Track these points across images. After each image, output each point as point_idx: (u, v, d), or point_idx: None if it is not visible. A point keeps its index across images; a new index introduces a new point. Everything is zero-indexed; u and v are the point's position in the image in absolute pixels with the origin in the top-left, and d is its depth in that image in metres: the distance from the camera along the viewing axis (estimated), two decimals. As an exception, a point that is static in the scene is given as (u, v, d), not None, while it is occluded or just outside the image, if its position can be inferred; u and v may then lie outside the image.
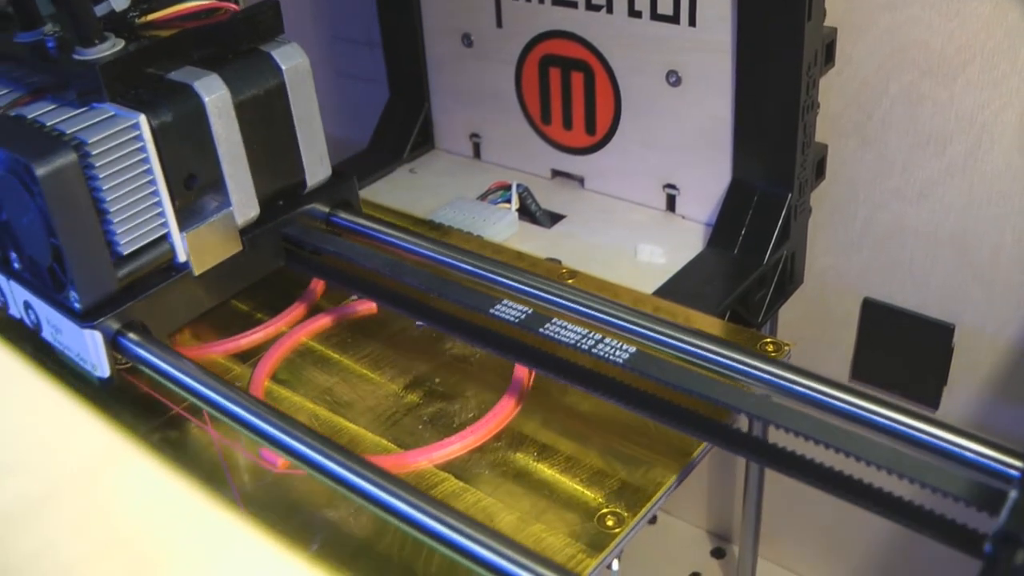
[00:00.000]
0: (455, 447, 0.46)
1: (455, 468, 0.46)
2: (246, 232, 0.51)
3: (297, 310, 0.57)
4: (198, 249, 0.49)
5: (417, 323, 0.56)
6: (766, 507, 0.75)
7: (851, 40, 0.59)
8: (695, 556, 0.90)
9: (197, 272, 0.49)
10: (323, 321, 0.57)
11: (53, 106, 0.46)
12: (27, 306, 0.49)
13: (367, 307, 0.57)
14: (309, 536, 0.43)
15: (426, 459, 0.46)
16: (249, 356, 0.54)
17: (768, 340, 0.50)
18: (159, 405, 0.51)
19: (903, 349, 0.67)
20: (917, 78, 0.58)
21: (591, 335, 0.43)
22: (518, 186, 0.68)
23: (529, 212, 0.67)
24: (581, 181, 0.70)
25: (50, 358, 0.50)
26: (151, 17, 0.49)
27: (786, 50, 0.55)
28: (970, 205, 0.60)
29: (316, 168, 0.54)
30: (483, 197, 0.69)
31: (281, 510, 0.45)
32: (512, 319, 0.45)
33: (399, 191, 0.73)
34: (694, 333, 0.43)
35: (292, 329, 0.56)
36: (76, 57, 0.46)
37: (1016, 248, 0.59)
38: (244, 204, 0.50)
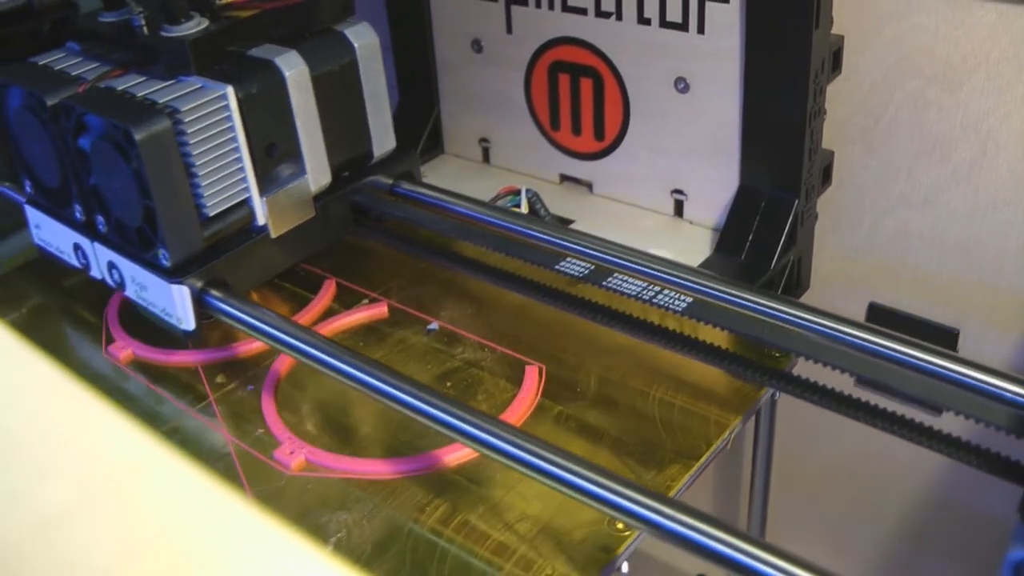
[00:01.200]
0: (468, 450, 0.47)
1: (468, 471, 0.47)
2: (318, 199, 0.54)
3: (309, 313, 0.58)
4: (276, 213, 0.52)
5: (428, 328, 0.57)
6: (772, 506, 0.76)
7: (858, 48, 0.60)
8: (701, 556, 0.90)
9: (274, 235, 0.52)
10: (335, 325, 0.57)
11: (141, 79, 0.49)
12: (111, 266, 0.52)
13: (379, 311, 0.58)
14: (324, 537, 0.44)
15: (439, 462, 0.47)
16: (264, 358, 0.55)
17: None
18: (171, 406, 0.52)
19: (908, 353, 0.68)
20: (923, 85, 0.59)
21: (650, 287, 0.48)
22: (527, 191, 0.68)
23: (538, 217, 0.68)
24: (590, 186, 0.71)
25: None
26: None
27: (794, 57, 0.56)
28: (975, 211, 0.60)
29: (382, 140, 0.57)
30: (492, 202, 0.69)
31: (295, 511, 0.45)
32: (577, 273, 0.50)
33: (409, 195, 0.73)
34: (741, 286, 0.47)
35: (305, 332, 0.57)
36: (164, 34, 0.49)
37: (1021, 254, 0.60)
38: (318, 172, 0.54)
